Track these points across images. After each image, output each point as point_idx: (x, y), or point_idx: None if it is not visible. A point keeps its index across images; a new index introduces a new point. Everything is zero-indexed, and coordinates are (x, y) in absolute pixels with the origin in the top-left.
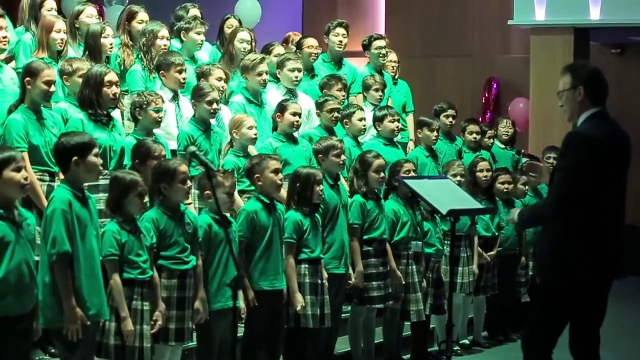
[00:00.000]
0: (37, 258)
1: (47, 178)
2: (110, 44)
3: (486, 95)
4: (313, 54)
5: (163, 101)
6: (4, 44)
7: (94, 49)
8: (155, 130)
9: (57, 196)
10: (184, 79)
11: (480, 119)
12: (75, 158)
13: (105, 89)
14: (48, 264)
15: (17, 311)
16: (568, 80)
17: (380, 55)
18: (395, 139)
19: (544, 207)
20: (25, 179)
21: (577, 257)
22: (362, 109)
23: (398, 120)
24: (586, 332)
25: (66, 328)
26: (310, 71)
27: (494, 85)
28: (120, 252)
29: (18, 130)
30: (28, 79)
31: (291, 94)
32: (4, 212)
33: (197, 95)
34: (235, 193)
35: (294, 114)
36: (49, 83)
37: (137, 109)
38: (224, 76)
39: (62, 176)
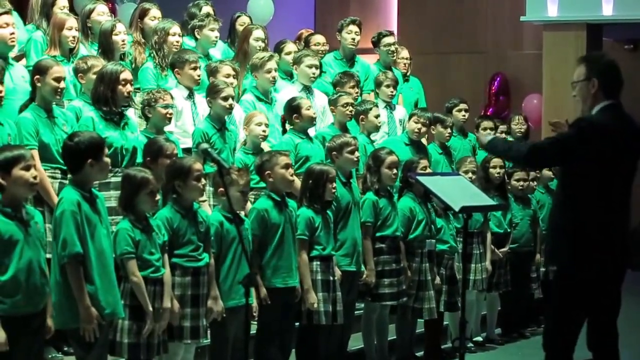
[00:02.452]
0: (48, 256)
1: (59, 175)
2: (123, 41)
3: (487, 90)
4: (321, 51)
5: (172, 98)
6: (12, 41)
7: (106, 47)
8: (172, 128)
9: (66, 197)
10: (198, 76)
11: (481, 113)
12: (90, 160)
13: (120, 86)
14: (59, 265)
15: (28, 310)
16: (583, 71)
17: (390, 52)
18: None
19: (519, 148)
20: (35, 177)
21: (586, 250)
22: (377, 106)
23: (424, 125)
24: (602, 327)
25: (83, 329)
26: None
27: (496, 81)
28: (135, 250)
29: (28, 128)
30: (37, 76)
31: (307, 90)
32: (12, 210)
33: (212, 92)
34: None
35: (309, 108)
36: (59, 79)
37: (146, 107)
38: (232, 72)
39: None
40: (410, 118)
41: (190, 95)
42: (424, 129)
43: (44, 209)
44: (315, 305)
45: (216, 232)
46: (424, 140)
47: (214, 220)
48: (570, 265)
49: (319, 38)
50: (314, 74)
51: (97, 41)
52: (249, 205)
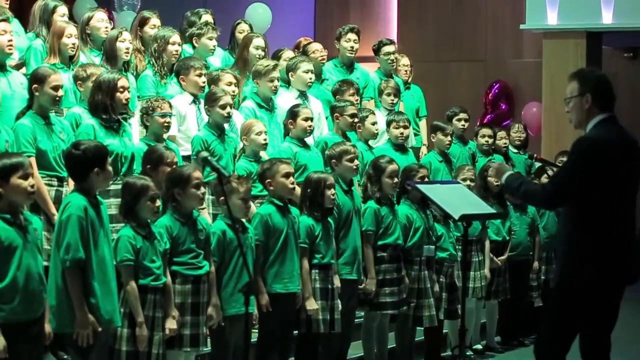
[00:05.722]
0: (45, 263)
1: (56, 183)
2: (127, 49)
3: (484, 98)
4: (320, 58)
5: (171, 106)
6: (10, 48)
7: (110, 54)
8: (175, 133)
9: (73, 202)
10: (203, 82)
11: (477, 122)
12: (96, 169)
13: (118, 94)
14: (60, 269)
15: (27, 317)
16: (575, 87)
17: (390, 60)
18: (407, 145)
19: (536, 191)
20: (32, 186)
21: (588, 262)
22: (374, 113)
23: (405, 127)
24: (597, 338)
25: (76, 333)
26: (319, 76)
27: (494, 88)
28: (135, 257)
29: (26, 135)
30: (36, 85)
31: (304, 96)
32: (11, 217)
33: (210, 100)
34: None
35: (306, 119)
36: (57, 88)
37: (145, 115)
38: (234, 80)
39: (71, 181)
40: (389, 125)
41: (195, 101)
42: (406, 131)
43: (40, 216)
44: (314, 313)
45: (218, 240)
46: (424, 149)
47: (216, 228)
48: (573, 278)
49: (316, 46)
50: (310, 79)
51: (100, 47)
52: (253, 209)
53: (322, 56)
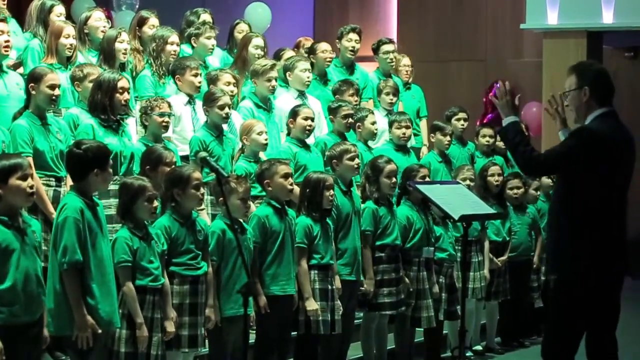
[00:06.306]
0: (43, 264)
1: (54, 183)
2: (124, 49)
3: (484, 98)
4: (327, 59)
5: (170, 106)
6: (6, 49)
7: (108, 55)
8: (171, 135)
9: (69, 204)
10: (199, 82)
11: (477, 122)
12: (96, 170)
13: (117, 95)
14: (58, 272)
15: (26, 319)
16: (574, 81)
17: (389, 59)
18: (409, 145)
19: (524, 152)
20: (32, 187)
21: (588, 260)
22: (373, 113)
23: (407, 127)
24: (601, 336)
25: (76, 336)
26: (323, 77)
27: (494, 87)
28: (133, 258)
29: (23, 135)
30: (32, 84)
31: (302, 96)
32: (9, 219)
33: (209, 100)
34: None
35: (306, 118)
36: (53, 87)
37: (144, 115)
38: (232, 80)
39: (69, 181)
40: (391, 126)
41: (190, 102)
42: (408, 132)
43: (38, 218)
44: (314, 312)
45: (218, 239)
46: (424, 149)
47: (216, 228)
48: (570, 274)
49: (325, 46)
50: (308, 77)
51: (98, 48)
52: (253, 209)
53: (329, 57)
